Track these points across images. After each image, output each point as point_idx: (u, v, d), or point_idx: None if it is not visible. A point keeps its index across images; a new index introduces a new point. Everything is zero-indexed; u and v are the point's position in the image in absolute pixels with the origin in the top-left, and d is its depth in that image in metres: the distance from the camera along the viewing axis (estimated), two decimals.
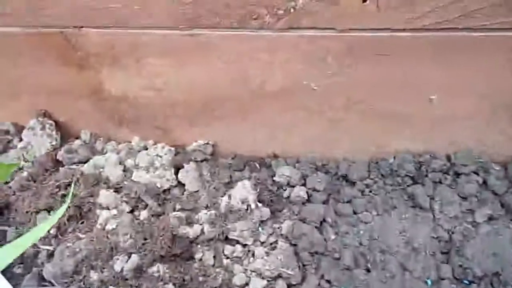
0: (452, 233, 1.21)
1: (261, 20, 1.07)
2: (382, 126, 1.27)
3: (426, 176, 1.28)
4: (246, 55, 1.18)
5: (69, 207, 1.43)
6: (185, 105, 1.43)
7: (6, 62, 1.44)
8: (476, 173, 1.25)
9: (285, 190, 1.45)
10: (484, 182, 1.24)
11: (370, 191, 1.34)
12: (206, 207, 1.47)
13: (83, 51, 1.35)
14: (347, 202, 1.34)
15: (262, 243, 1.35)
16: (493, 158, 1.24)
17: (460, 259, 1.15)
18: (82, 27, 1.26)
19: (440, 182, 1.27)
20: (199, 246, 1.37)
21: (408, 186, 1.29)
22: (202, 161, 1.56)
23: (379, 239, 1.25)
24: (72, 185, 1.43)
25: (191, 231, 1.37)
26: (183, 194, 1.54)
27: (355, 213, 1.32)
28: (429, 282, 1.17)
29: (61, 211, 0.81)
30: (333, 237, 1.29)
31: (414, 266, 1.18)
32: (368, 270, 1.22)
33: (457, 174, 1.27)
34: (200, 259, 1.34)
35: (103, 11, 1.19)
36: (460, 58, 1.01)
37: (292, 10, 1.03)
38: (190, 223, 1.43)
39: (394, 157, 1.32)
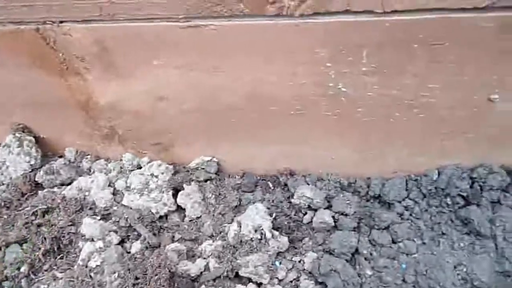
0: None
1: (279, 4, 0.86)
2: (424, 134, 1.04)
3: (482, 195, 1.05)
4: (260, 53, 0.97)
5: (45, 239, 1.19)
6: (188, 117, 1.20)
7: None
8: None
9: (305, 214, 1.21)
10: None
11: (411, 215, 1.10)
12: (211, 237, 1.23)
13: (65, 53, 1.14)
14: (384, 228, 1.09)
15: (281, 281, 1.10)
16: None
17: None
18: (62, 21, 1.05)
19: (499, 203, 1.04)
20: (203, 286, 1.11)
21: (459, 207, 1.05)
22: (205, 181, 1.32)
23: (428, 275, 1.01)
24: None
25: (193, 267, 1.12)
26: (183, 221, 1.29)
27: (394, 242, 1.08)
28: None
29: None
30: (369, 273, 1.04)
31: None
32: None
33: None
34: None
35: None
36: None
37: None
38: (192, 256, 1.19)
39: (439, 173, 1.09)
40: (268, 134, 1.18)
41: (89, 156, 1.47)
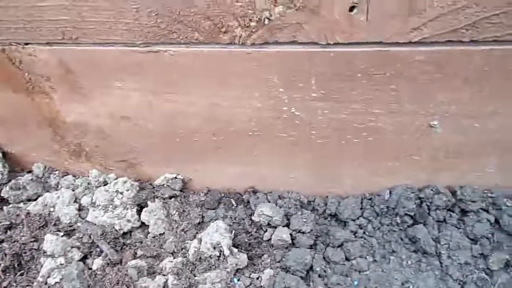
0: (464, 283, 1.02)
1: (231, 34, 0.91)
2: (375, 156, 1.09)
3: (429, 214, 1.10)
4: (216, 77, 1.01)
5: (5, 255, 1.20)
6: (153, 135, 1.23)
7: None
8: (486, 210, 1.08)
9: (265, 231, 1.24)
10: (496, 221, 1.06)
11: (364, 233, 1.15)
12: (173, 254, 1.25)
13: (31, 73, 1.17)
14: (338, 246, 1.13)
15: None
16: (505, 193, 1.06)
17: None
18: (26, 43, 1.09)
19: (445, 222, 1.09)
20: None
21: (408, 226, 1.10)
22: (170, 198, 1.35)
23: None
24: None
25: (152, 284, 1.14)
26: (146, 237, 1.31)
27: (347, 259, 1.12)
28: None
29: None
30: None
31: None
32: None
33: (465, 212, 1.09)
34: None
35: (51, 23, 1.02)
36: (466, 75, 0.86)
37: (266, 21, 0.87)
38: (152, 273, 1.20)
39: (390, 192, 1.14)
40: (229, 154, 1.22)
41: (57, 172, 1.49)
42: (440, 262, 1.05)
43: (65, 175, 1.48)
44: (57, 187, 1.46)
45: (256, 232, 1.25)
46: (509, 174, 1.03)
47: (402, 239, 1.11)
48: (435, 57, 0.84)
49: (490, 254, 1.03)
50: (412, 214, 1.08)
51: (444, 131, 0.97)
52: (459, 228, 1.08)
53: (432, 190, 1.09)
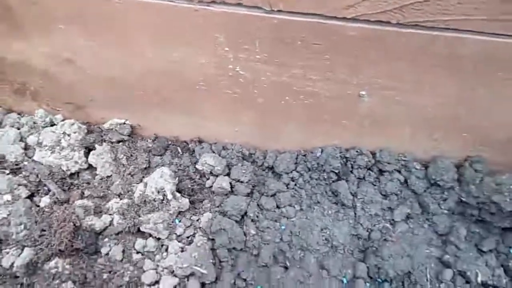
0: (371, 231, 1.20)
1: None
2: (310, 117, 1.19)
3: (352, 172, 1.25)
4: (164, 30, 1.02)
5: None
6: (99, 82, 1.24)
7: None
8: (399, 171, 1.24)
9: (208, 179, 1.34)
10: (405, 180, 1.23)
11: (296, 185, 1.28)
12: (119, 195, 1.33)
13: None
14: (272, 195, 1.27)
15: (179, 236, 1.25)
16: (416, 157, 1.22)
17: (376, 259, 1.14)
18: None
19: (364, 179, 1.25)
20: (106, 239, 1.23)
21: (333, 181, 1.25)
22: (118, 142, 1.40)
23: (300, 236, 1.21)
24: None
25: (98, 222, 1.22)
26: (94, 179, 1.37)
27: (278, 207, 1.26)
28: (344, 281, 1.15)
29: None
30: (253, 232, 1.22)
31: (332, 264, 1.16)
32: (286, 268, 1.18)
33: (381, 172, 1.25)
34: (107, 254, 1.21)
35: None
36: (392, 54, 0.94)
37: None
38: (99, 212, 1.28)
39: (322, 151, 1.26)
40: (176, 105, 1.27)
41: (0, 109, 1.46)
42: (355, 213, 1.22)
43: (9, 112, 1.46)
44: (1, 124, 1.44)
45: (199, 179, 1.35)
46: (419, 142, 1.18)
47: (326, 192, 1.26)
48: (366, 34, 0.91)
49: (396, 208, 1.22)
50: (337, 171, 1.22)
51: (370, 100, 1.08)
52: (375, 185, 1.24)
53: (356, 151, 1.23)
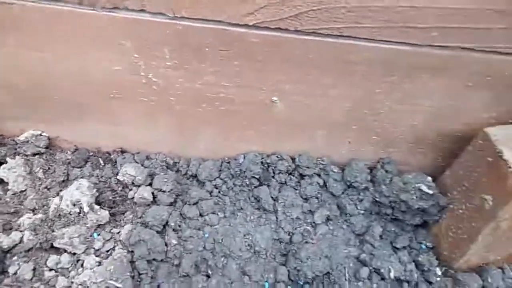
0: (293, 234, 1.22)
1: None
2: (229, 124, 1.20)
3: (273, 177, 1.27)
4: (70, 37, 1.00)
5: None
6: (10, 91, 1.18)
7: None
8: (318, 174, 1.28)
9: (130, 190, 1.31)
10: (325, 183, 1.27)
11: (219, 192, 1.28)
12: (33, 210, 1.25)
13: None
14: (194, 204, 1.25)
15: (97, 250, 1.19)
16: (333, 160, 1.27)
17: (295, 262, 1.15)
18: None
19: (286, 184, 1.27)
20: (15, 257, 1.15)
21: (255, 187, 1.26)
22: (34, 155, 1.33)
23: (222, 243, 1.20)
24: None
25: (6, 240, 1.14)
26: (6, 194, 1.29)
27: (201, 215, 1.25)
28: (266, 285, 1.16)
29: None
30: (174, 242, 1.19)
31: (254, 269, 1.16)
32: (208, 276, 1.16)
33: (302, 176, 1.28)
34: (15, 273, 1.13)
35: None
36: (294, 60, 0.98)
37: None
38: (9, 229, 1.20)
39: (244, 157, 1.27)
40: (96, 114, 1.23)
41: None
42: (276, 218, 1.24)
43: None
44: None
45: (121, 190, 1.31)
46: (335, 146, 1.23)
47: (249, 198, 1.27)
48: (269, 40, 0.94)
49: (316, 210, 1.25)
50: (258, 177, 1.24)
51: (283, 106, 1.11)
52: (296, 189, 1.27)
53: (277, 157, 1.26)
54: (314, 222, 1.24)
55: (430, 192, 1.13)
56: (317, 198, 1.26)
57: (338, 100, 1.07)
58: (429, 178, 1.16)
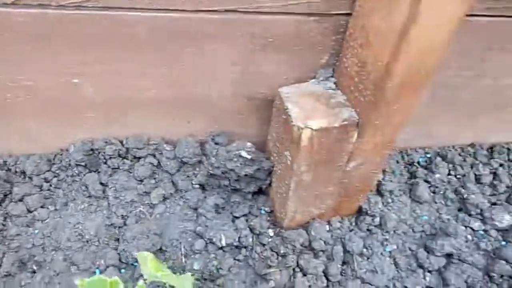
0: (127, 217, 1.20)
1: None
2: (49, 114, 1.16)
3: (106, 163, 1.25)
4: None
5: None
6: None
7: None
8: (153, 155, 1.27)
9: None
10: (159, 163, 1.27)
11: (51, 186, 1.24)
12: None
13: None
14: (20, 200, 1.20)
15: None
16: (165, 139, 1.27)
17: (123, 243, 1.14)
18: None
19: (119, 168, 1.26)
20: None
21: (84, 175, 1.23)
22: None
23: (51, 237, 1.16)
24: None
25: None
26: None
27: (29, 211, 1.20)
28: (97, 271, 1.13)
29: None
30: None
31: (83, 258, 1.13)
32: (34, 272, 1.11)
33: (137, 158, 1.27)
34: None
35: None
36: (79, 39, 0.97)
37: None
38: None
39: (74, 146, 1.24)
40: None
41: None
42: (108, 203, 1.21)
43: None
44: None
45: None
46: (162, 124, 1.23)
47: (81, 188, 1.24)
48: (39, 17, 0.92)
49: (152, 191, 1.24)
50: (84, 164, 1.21)
51: (93, 88, 1.09)
52: (130, 172, 1.25)
53: (105, 142, 1.24)
54: (151, 203, 1.24)
55: (249, 157, 1.16)
56: (154, 178, 1.26)
57: (153, 79, 1.07)
58: (249, 144, 1.19)
